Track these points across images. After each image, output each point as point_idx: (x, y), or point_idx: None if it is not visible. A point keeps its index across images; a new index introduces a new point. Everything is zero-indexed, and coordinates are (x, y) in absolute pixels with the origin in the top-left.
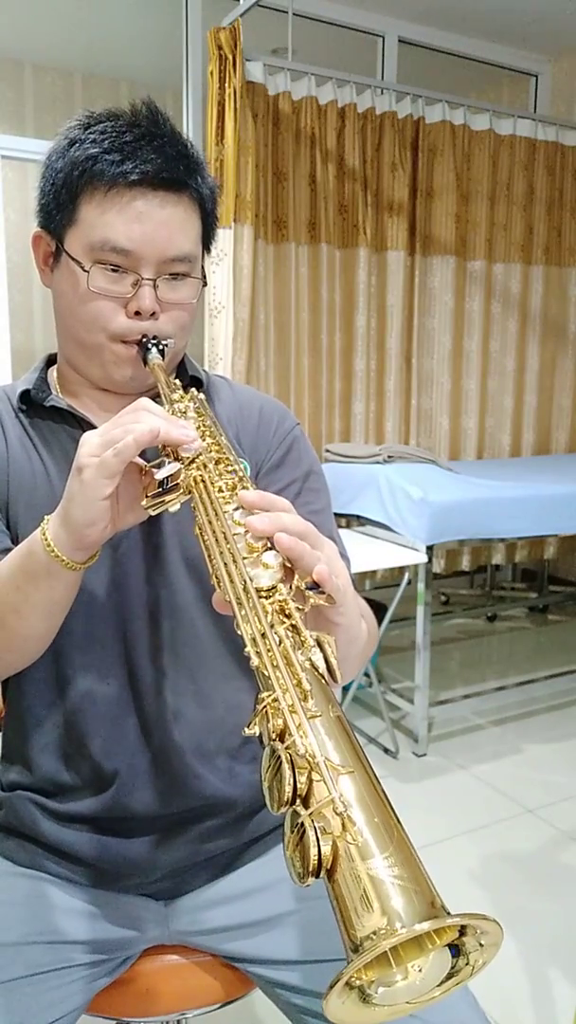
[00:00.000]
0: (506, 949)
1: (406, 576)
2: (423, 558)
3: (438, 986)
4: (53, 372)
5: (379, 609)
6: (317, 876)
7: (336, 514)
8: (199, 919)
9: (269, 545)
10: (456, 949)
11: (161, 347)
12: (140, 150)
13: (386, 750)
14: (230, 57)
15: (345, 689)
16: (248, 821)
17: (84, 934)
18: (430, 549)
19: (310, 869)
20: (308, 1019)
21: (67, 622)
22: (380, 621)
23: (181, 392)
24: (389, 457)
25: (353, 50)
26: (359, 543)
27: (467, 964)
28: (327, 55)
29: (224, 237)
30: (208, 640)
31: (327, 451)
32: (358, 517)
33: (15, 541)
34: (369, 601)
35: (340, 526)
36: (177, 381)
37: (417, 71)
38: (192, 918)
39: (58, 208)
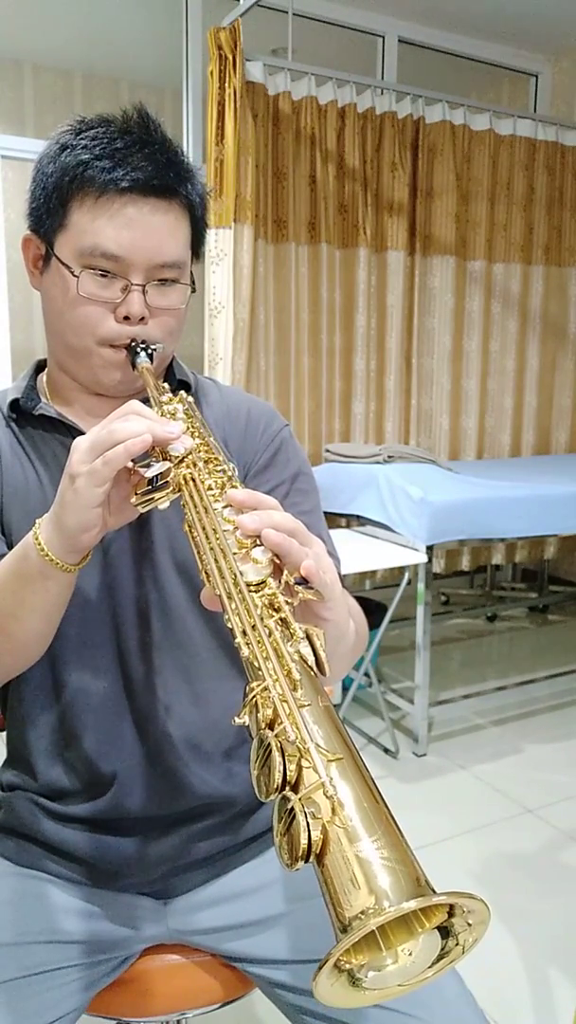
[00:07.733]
0: (506, 949)
1: (406, 576)
2: (423, 558)
3: (429, 967)
4: (42, 378)
5: (379, 609)
6: (307, 860)
7: (336, 514)
8: (197, 918)
9: (258, 542)
10: (445, 931)
11: (150, 351)
12: (131, 157)
13: (386, 750)
14: (230, 57)
15: (345, 689)
16: (245, 820)
17: (83, 933)
18: (430, 549)
19: (300, 854)
20: (307, 1019)
21: (61, 626)
22: (380, 621)
23: (170, 395)
24: (389, 457)
25: (353, 50)
26: (359, 543)
27: (457, 944)
28: (327, 55)
29: (224, 237)
30: (201, 641)
31: (327, 451)
32: (358, 517)
33: (11, 549)
34: (369, 601)
35: (340, 526)
36: (165, 384)
37: (417, 71)
38: (190, 917)
39: (48, 213)
